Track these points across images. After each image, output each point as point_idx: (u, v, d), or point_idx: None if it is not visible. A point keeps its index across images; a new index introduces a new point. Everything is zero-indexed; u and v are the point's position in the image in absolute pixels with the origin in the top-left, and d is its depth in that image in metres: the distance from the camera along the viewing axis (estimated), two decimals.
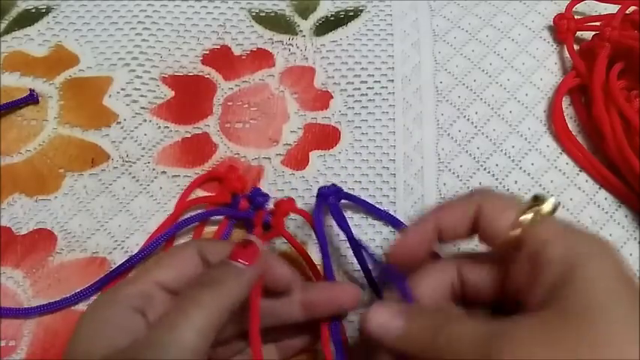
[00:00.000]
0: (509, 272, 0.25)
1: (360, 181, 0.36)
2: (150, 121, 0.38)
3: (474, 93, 0.39)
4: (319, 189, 0.33)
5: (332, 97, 0.39)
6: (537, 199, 0.25)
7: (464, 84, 0.40)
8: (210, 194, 0.35)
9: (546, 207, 0.25)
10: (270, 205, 0.35)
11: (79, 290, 0.32)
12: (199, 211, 0.34)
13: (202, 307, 0.24)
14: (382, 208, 0.35)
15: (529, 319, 0.22)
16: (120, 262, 0.33)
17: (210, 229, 0.34)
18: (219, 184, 0.35)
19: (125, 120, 0.38)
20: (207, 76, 0.40)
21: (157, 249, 0.32)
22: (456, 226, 0.26)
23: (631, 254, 0.34)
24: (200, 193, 0.36)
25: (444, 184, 0.36)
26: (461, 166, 0.37)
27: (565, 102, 0.39)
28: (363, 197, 0.36)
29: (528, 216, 0.25)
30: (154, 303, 0.25)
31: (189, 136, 0.38)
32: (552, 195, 0.25)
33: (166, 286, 0.26)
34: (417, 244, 0.27)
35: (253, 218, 0.34)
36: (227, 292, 0.25)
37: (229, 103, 0.39)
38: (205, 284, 0.25)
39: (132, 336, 0.23)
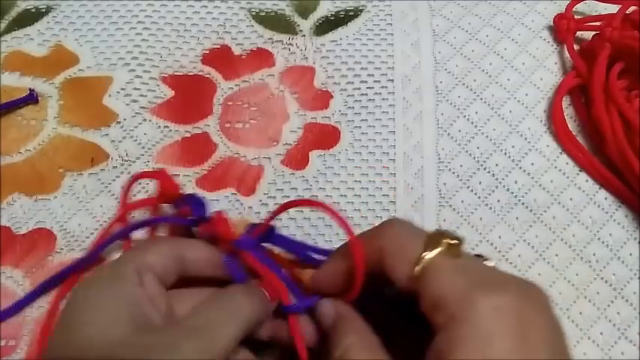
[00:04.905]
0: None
1: (359, 181, 0.36)
2: (150, 120, 0.38)
3: (474, 93, 0.39)
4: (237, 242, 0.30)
5: (332, 96, 0.39)
6: (441, 234, 0.24)
7: (464, 84, 0.40)
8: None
9: (450, 241, 0.23)
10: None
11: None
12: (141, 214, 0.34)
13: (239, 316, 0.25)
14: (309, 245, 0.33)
15: None
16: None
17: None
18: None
19: (125, 119, 0.38)
20: (207, 75, 0.40)
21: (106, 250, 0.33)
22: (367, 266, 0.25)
23: (631, 254, 0.34)
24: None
25: (444, 183, 0.36)
26: (461, 165, 0.37)
27: (565, 102, 0.39)
28: (362, 197, 0.36)
29: (428, 258, 0.23)
30: (147, 280, 0.26)
31: (189, 135, 0.38)
32: (454, 234, 0.24)
33: (155, 271, 0.26)
34: (331, 280, 0.28)
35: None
36: (258, 310, 0.26)
37: (229, 103, 0.39)
38: (238, 294, 0.26)
39: (138, 309, 0.24)
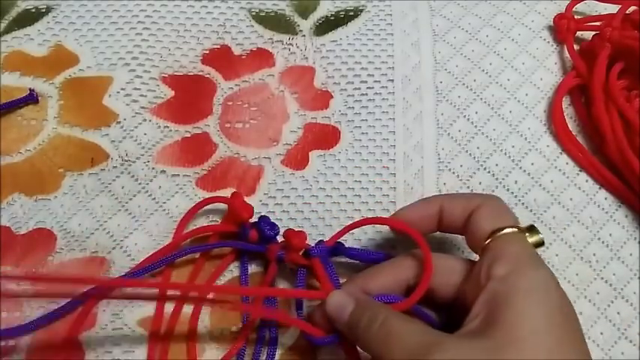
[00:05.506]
0: (468, 278, 0.28)
1: (359, 181, 0.36)
2: (150, 120, 0.38)
3: (474, 93, 0.39)
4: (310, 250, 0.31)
5: (332, 96, 0.39)
6: (530, 229, 0.29)
7: (464, 84, 0.40)
8: (211, 220, 0.35)
9: (530, 237, 0.28)
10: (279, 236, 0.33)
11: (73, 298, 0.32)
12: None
13: None
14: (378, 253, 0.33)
15: (463, 343, 0.24)
16: (120, 267, 0.33)
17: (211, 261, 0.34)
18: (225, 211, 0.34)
19: (125, 119, 0.38)
20: (207, 75, 0.40)
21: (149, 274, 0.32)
22: (452, 217, 0.29)
23: (631, 254, 0.34)
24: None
25: (444, 183, 0.36)
26: (461, 165, 0.37)
27: (565, 102, 0.39)
28: (362, 197, 0.36)
29: (506, 231, 0.27)
30: None
31: (189, 135, 0.38)
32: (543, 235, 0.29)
33: None
34: (418, 218, 0.30)
35: (266, 253, 0.32)
36: None
37: (229, 103, 0.39)
38: None
39: None
